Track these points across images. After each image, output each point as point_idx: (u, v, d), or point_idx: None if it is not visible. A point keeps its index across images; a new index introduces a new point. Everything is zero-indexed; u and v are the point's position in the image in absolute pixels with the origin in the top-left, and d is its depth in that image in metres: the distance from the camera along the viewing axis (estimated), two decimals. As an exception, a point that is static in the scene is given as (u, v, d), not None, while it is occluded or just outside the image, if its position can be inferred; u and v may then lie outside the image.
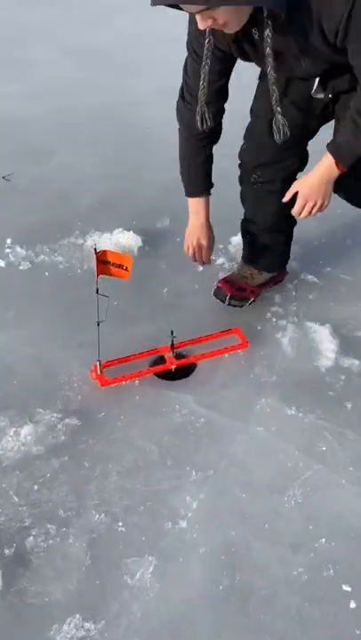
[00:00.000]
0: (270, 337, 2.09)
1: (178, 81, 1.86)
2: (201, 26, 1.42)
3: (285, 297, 2.26)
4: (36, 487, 1.64)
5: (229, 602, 1.39)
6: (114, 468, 1.69)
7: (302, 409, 1.84)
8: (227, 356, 2.02)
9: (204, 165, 1.94)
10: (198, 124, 1.70)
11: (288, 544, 1.50)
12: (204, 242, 2.03)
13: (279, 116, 1.43)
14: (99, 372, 1.92)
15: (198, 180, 1.95)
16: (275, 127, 1.47)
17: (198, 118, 1.68)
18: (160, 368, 1.96)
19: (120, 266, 1.76)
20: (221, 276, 2.28)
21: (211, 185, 1.98)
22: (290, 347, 2.05)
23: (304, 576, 1.43)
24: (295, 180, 1.83)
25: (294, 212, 1.78)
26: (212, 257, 2.21)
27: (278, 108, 1.42)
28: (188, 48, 1.72)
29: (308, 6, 1.37)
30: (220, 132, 1.91)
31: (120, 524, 1.55)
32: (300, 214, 1.78)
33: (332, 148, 1.62)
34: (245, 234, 2.17)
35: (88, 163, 3.21)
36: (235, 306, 2.16)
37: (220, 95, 1.77)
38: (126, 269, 1.76)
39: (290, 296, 2.27)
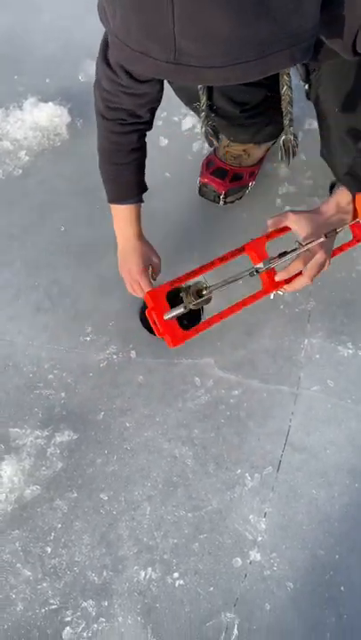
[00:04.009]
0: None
1: None
2: None
3: (293, 166, 1.62)
4: (48, 549, 1.22)
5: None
6: (142, 492, 1.26)
7: None
8: (241, 282, 1.47)
9: (134, 159, 1.21)
10: (206, 142, 1.33)
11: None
12: (155, 261, 1.33)
13: (290, 137, 1.20)
14: (166, 316, 1.07)
15: (127, 180, 1.23)
16: (283, 148, 1.21)
17: (203, 136, 1.31)
18: (268, 289, 1.12)
19: None
20: (201, 156, 1.60)
21: (144, 188, 1.26)
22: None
23: None
24: None
25: (307, 273, 1.08)
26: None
27: (291, 129, 1.19)
28: None
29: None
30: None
31: (176, 575, 1.18)
32: (316, 272, 1.08)
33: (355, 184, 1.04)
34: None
35: None
36: (232, 202, 1.54)
37: None
38: None
39: (299, 162, 1.64)
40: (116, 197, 1.25)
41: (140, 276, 1.30)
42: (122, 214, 1.27)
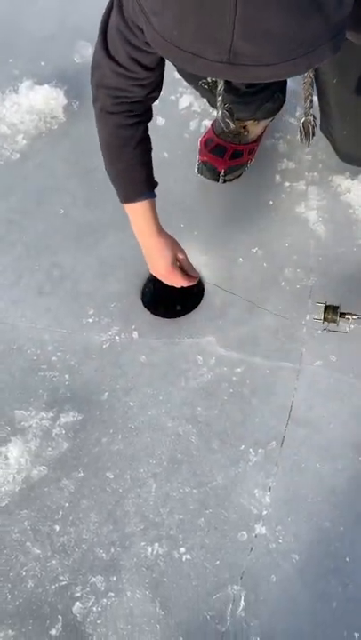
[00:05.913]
0: (289, 214, 1.52)
1: None
2: None
3: (291, 142, 1.61)
4: (57, 527, 1.24)
5: (349, 624, 1.12)
6: (147, 470, 1.27)
7: (362, 317, 1.39)
8: (241, 260, 1.48)
9: (140, 153, 1.17)
10: (222, 124, 1.30)
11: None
12: (183, 259, 1.33)
13: (311, 118, 1.18)
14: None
15: (137, 175, 1.19)
16: (303, 130, 1.19)
17: (220, 119, 1.29)
18: None
19: None
20: (198, 134, 1.59)
21: (154, 182, 1.22)
22: (321, 224, 1.50)
23: None
24: None
25: None
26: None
27: (311, 111, 1.16)
28: None
29: None
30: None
31: (182, 550, 1.20)
32: None
33: None
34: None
35: None
36: (231, 180, 1.54)
37: None
38: None
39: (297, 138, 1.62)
40: (129, 196, 1.21)
41: (171, 275, 1.30)
42: (138, 212, 1.23)
